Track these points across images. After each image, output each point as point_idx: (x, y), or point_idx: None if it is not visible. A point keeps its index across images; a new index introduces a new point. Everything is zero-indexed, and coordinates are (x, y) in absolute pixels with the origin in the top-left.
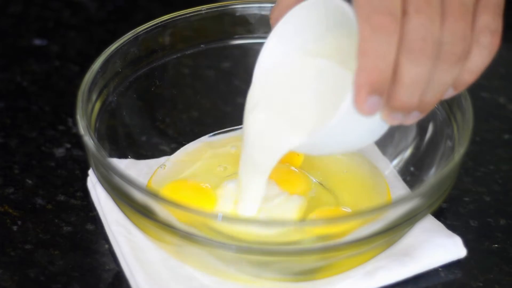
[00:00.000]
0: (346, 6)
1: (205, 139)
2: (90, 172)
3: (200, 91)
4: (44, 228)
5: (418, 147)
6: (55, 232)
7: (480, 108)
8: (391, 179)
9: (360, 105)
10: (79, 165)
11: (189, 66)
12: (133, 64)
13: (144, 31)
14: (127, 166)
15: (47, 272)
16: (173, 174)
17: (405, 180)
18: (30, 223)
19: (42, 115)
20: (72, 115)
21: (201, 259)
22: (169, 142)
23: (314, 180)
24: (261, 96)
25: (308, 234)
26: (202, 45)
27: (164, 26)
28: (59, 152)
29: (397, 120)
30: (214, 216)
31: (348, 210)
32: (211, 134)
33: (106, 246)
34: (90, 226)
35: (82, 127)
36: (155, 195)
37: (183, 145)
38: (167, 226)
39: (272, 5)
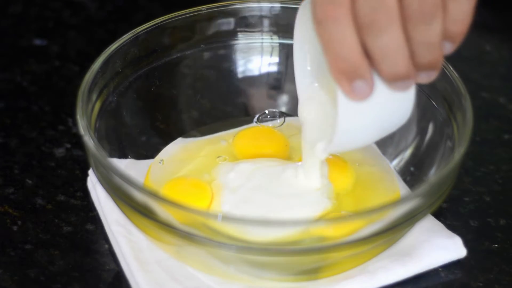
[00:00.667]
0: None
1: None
2: (90, 172)
3: (200, 91)
4: (44, 228)
5: (418, 147)
6: (55, 232)
7: (480, 108)
8: None
9: (350, 94)
10: (79, 165)
11: (189, 66)
12: (133, 64)
13: (144, 31)
14: (127, 166)
15: (47, 272)
16: (171, 171)
17: (405, 180)
18: (30, 223)
19: (42, 115)
20: (72, 115)
21: (201, 259)
22: (169, 142)
23: None
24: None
25: (308, 234)
26: (202, 45)
27: (164, 26)
28: (59, 152)
29: (405, 86)
30: (214, 216)
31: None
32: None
33: (106, 246)
34: (90, 226)
35: (82, 127)
36: (155, 195)
37: None
38: (167, 226)
39: (272, 5)
